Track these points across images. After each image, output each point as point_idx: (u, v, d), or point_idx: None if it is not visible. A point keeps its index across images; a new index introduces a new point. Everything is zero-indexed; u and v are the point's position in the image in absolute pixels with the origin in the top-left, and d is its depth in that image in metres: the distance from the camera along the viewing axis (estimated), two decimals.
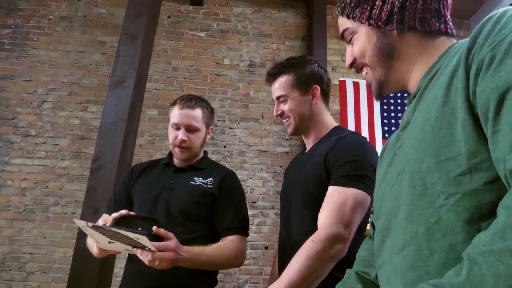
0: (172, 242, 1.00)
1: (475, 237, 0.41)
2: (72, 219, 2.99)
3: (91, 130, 3.23)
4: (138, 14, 2.39)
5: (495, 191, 0.44)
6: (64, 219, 3.02)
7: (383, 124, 3.53)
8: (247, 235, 1.29)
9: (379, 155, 0.78)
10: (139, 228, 0.96)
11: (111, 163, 2.07)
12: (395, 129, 3.32)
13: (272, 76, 1.21)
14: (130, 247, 0.98)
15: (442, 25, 0.63)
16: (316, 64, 1.21)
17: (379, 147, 3.43)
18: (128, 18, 2.39)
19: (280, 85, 1.18)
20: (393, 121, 3.54)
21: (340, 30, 0.71)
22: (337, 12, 0.72)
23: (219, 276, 1.34)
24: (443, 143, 0.48)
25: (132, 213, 1.03)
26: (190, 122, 1.28)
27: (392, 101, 3.59)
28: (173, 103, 1.33)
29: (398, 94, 3.59)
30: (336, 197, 0.97)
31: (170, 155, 1.39)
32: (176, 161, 1.36)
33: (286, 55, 3.67)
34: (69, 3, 3.59)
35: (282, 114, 1.19)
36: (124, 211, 1.01)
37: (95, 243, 1.05)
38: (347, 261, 1.06)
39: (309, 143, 1.23)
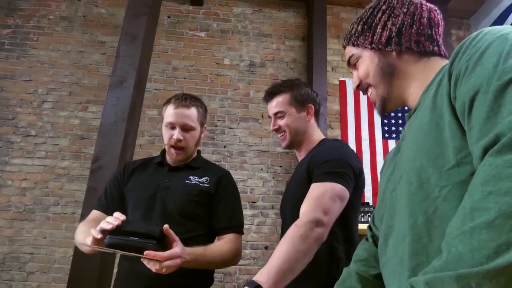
0: (178, 247, 1.01)
1: (447, 227, 0.46)
2: (72, 219, 3.00)
3: (91, 130, 3.23)
4: (138, 14, 2.40)
5: None
6: (64, 219, 3.02)
7: (383, 124, 3.52)
8: (243, 233, 1.31)
9: (381, 160, 0.83)
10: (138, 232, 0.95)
11: (111, 163, 2.08)
12: (395, 129, 3.31)
13: (270, 95, 1.34)
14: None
15: (436, 48, 0.72)
16: (309, 88, 1.37)
17: (379, 147, 3.42)
18: (128, 18, 2.40)
19: (277, 102, 1.31)
20: (393, 121, 3.54)
21: (347, 57, 0.82)
22: (344, 43, 0.83)
23: (219, 276, 1.35)
24: (433, 143, 0.55)
25: (123, 217, 0.99)
26: (186, 121, 1.28)
27: None
28: (167, 102, 1.32)
29: None
30: (315, 190, 1.07)
31: (163, 153, 1.38)
32: (169, 160, 1.36)
33: (286, 55, 3.68)
34: (69, 3, 3.59)
35: (278, 129, 1.32)
36: (116, 222, 0.96)
37: (84, 245, 1.05)
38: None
39: (300, 156, 1.34)
